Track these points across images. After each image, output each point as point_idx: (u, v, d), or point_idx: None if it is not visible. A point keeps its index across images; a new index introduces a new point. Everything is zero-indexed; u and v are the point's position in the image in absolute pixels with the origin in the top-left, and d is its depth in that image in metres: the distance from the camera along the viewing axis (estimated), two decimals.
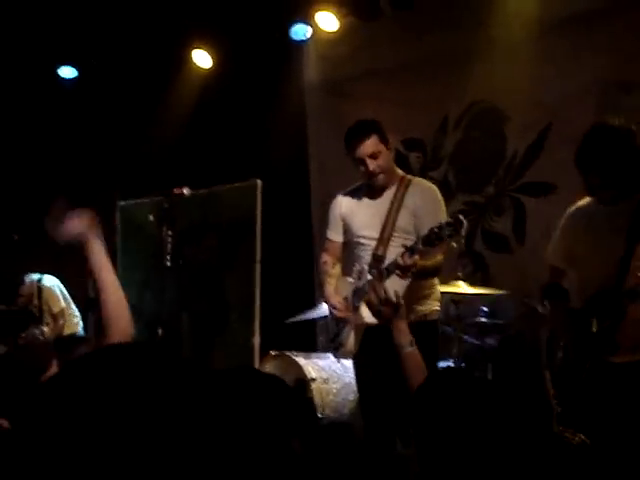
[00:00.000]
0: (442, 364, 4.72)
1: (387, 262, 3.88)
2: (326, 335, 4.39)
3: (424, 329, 3.88)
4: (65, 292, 5.79)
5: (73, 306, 5.82)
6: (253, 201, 5.55)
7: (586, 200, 3.67)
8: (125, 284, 2.45)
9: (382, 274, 3.79)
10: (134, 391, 1.06)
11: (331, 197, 4.49)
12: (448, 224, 3.40)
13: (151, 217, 5.38)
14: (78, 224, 2.31)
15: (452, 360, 4.96)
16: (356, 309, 3.99)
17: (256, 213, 5.49)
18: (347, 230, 4.26)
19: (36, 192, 6.88)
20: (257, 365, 5.45)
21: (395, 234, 4.05)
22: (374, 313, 2.87)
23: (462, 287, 5.01)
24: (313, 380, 4.98)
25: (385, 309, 2.80)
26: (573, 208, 3.74)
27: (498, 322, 5.34)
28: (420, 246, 3.54)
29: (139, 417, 1.04)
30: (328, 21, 6.26)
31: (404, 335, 2.71)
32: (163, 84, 6.86)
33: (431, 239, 3.47)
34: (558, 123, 5.44)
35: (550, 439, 2.47)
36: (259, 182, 5.53)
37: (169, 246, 4.84)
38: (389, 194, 4.14)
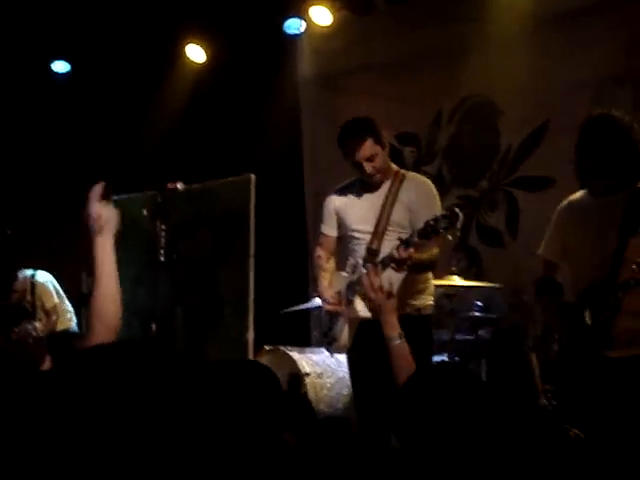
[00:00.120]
0: (436, 358, 4.73)
1: (381, 256, 3.87)
2: (319, 329, 4.38)
3: (418, 323, 3.89)
4: (58, 288, 5.76)
5: (66, 302, 5.79)
6: (247, 195, 5.52)
7: (579, 194, 3.68)
8: (119, 279, 2.46)
9: (377, 267, 3.78)
10: (127, 387, 1.05)
11: (325, 191, 4.48)
12: (444, 217, 3.40)
13: (145, 212, 5.35)
14: (106, 213, 2.35)
15: (446, 354, 4.98)
16: (350, 303, 3.98)
17: (250, 207, 5.47)
18: (341, 224, 4.25)
19: (29, 187, 6.88)
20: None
21: (390, 228, 4.04)
22: (367, 300, 2.88)
23: (455, 280, 5.03)
24: (307, 375, 4.98)
25: (378, 295, 2.80)
26: (566, 202, 3.74)
27: (491, 316, 5.36)
28: (416, 239, 3.53)
29: (132, 412, 1.03)
30: (322, 15, 6.26)
31: (393, 327, 2.72)
32: (157, 78, 6.85)
33: (427, 232, 3.46)
34: (553, 117, 5.45)
35: (536, 418, 2.46)
36: (253, 176, 5.50)
37: (163, 241, 4.82)
38: (384, 188, 4.13)
